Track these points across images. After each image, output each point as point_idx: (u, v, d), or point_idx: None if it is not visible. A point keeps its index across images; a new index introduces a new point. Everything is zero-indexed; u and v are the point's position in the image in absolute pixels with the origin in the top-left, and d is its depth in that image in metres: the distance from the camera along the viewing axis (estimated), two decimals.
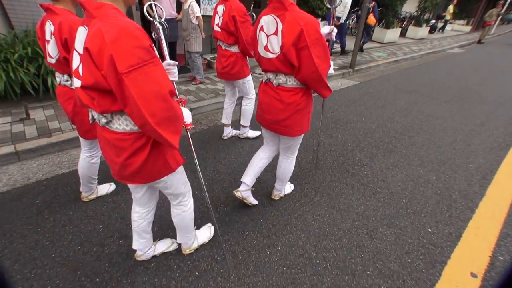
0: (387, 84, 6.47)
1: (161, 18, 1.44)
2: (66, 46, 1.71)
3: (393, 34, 11.18)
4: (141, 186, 1.61)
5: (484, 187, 2.99)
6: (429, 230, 2.41)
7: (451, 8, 14.77)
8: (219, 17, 2.87)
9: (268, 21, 1.73)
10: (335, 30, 2.04)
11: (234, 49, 2.92)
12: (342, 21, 7.64)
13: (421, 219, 2.52)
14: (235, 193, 2.39)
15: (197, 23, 5.03)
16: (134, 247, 1.87)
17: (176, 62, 1.46)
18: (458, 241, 2.31)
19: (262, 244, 2.21)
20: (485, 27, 13.30)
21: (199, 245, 2.07)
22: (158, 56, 1.18)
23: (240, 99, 3.56)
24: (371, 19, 8.37)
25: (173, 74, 1.44)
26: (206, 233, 2.16)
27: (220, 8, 2.84)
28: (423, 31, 12.87)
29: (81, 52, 1.13)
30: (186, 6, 4.94)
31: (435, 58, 9.70)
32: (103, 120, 1.24)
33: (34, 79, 4.00)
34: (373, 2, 8.22)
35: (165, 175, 1.46)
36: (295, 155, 2.33)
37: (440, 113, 4.92)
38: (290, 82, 1.84)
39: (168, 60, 1.42)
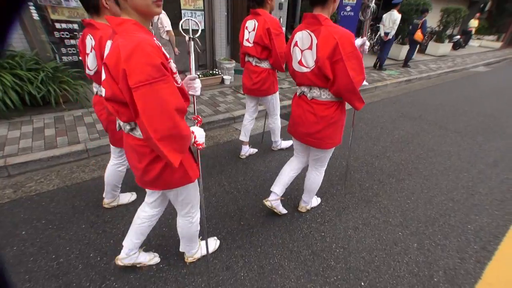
0: (390, 108, 5.67)
1: (196, 34, 1.45)
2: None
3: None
4: (157, 192, 1.68)
5: (482, 264, 2.20)
6: None
7: (474, 22, 13.67)
8: (249, 32, 2.80)
9: (302, 37, 1.77)
10: (367, 43, 2.08)
11: (265, 64, 2.87)
12: (390, 36, 7.75)
13: None
14: (265, 202, 2.47)
15: (167, 39, 4.56)
16: (124, 243, 1.85)
17: (196, 76, 1.46)
18: None
19: None
20: None
21: (202, 255, 2.06)
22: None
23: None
24: (418, 35, 8.38)
25: (194, 88, 1.47)
26: (211, 244, 2.13)
27: (251, 23, 2.77)
28: (445, 47, 11.87)
29: None
30: (155, 19, 4.47)
31: (454, 78, 8.74)
32: (127, 127, 1.33)
33: None
34: (424, 19, 8.23)
35: (183, 184, 1.49)
36: (324, 167, 2.33)
37: (445, 147, 4.09)
38: (324, 95, 1.87)
39: (189, 75, 1.45)
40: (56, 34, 4.49)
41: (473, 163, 3.68)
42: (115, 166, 2.29)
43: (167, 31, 4.46)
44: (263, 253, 2.21)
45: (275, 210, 2.49)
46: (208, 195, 2.83)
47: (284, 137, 3.74)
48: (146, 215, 1.78)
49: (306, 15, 1.76)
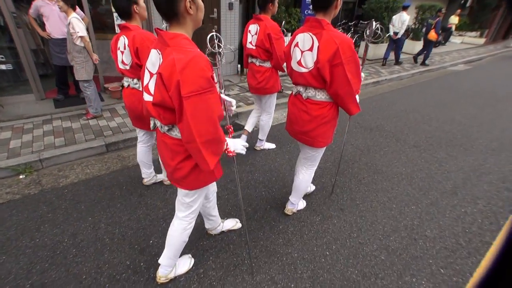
0: (345, 116, 4.95)
1: (220, 48, 1.62)
2: (137, 54, 2.11)
3: (382, 49, 9.72)
4: None
5: None
6: None
7: (454, 19, 13.16)
8: (252, 36, 2.98)
9: (304, 38, 1.84)
10: (363, 76, 2.09)
11: (268, 64, 3.03)
12: (399, 36, 8.47)
13: None
14: (286, 212, 2.60)
15: (82, 45, 3.85)
16: (206, 226, 2.25)
17: (234, 101, 1.64)
18: None
19: None
20: None
21: (176, 275, 1.96)
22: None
23: None
24: (432, 35, 8.77)
25: (231, 110, 1.66)
26: (186, 263, 2.05)
27: (253, 27, 2.96)
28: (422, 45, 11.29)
29: (152, 72, 1.34)
30: (67, 23, 3.79)
31: (429, 78, 8.14)
32: (165, 128, 1.44)
33: None
34: (437, 19, 8.68)
35: (209, 183, 1.60)
36: (315, 167, 2.37)
37: (397, 167, 3.44)
38: (319, 96, 1.93)
39: (223, 96, 1.61)
40: None
41: (427, 190, 3.03)
42: (143, 146, 2.69)
43: (81, 37, 3.75)
44: None
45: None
46: (76, 241, 2.12)
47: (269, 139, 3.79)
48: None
49: (309, 18, 1.83)
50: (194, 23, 1.34)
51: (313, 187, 2.91)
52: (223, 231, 2.36)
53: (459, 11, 13.54)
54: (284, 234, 2.37)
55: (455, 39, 15.52)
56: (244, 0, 7.48)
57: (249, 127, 3.63)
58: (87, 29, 4.70)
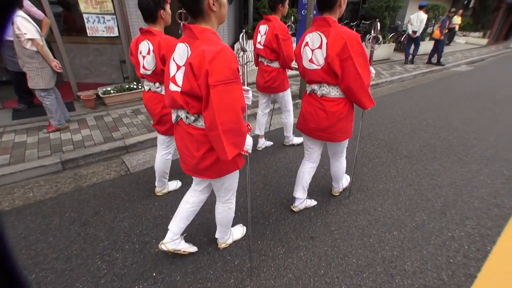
0: None
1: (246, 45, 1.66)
2: (163, 60, 2.08)
3: (384, 50, 9.38)
4: (204, 182, 1.86)
5: None
6: None
7: (456, 19, 12.81)
8: (261, 36, 3.05)
9: (312, 37, 1.92)
10: (373, 71, 2.07)
11: (275, 64, 3.10)
12: (418, 34, 8.69)
13: None
14: (293, 208, 2.56)
15: (35, 50, 3.46)
16: (170, 227, 1.96)
17: (249, 89, 1.57)
18: None
19: None
20: None
21: (233, 240, 2.19)
22: None
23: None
24: (436, 33, 9.04)
25: (248, 98, 1.55)
26: (239, 230, 2.28)
27: (263, 28, 3.04)
28: (426, 45, 10.89)
29: (180, 64, 1.39)
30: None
31: (431, 79, 7.72)
32: (192, 118, 1.47)
33: None
34: (443, 17, 9.09)
35: (232, 171, 1.66)
36: (344, 156, 2.45)
37: (384, 182, 3.02)
38: (333, 92, 1.98)
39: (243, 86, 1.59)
40: None
41: (414, 210, 2.61)
42: (164, 155, 2.54)
43: (31, 40, 3.36)
44: None
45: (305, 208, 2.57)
46: None
47: (296, 133, 3.70)
48: (194, 199, 1.91)
49: (316, 19, 1.89)
50: (218, 19, 1.41)
51: (348, 179, 2.89)
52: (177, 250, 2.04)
53: (461, 11, 13.25)
54: (238, 272, 1.98)
55: (460, 39, 15.37)
56: (236, 0, 7.15)
57: (259, 131, 3.66)
58: (51, 32, 4.36)
